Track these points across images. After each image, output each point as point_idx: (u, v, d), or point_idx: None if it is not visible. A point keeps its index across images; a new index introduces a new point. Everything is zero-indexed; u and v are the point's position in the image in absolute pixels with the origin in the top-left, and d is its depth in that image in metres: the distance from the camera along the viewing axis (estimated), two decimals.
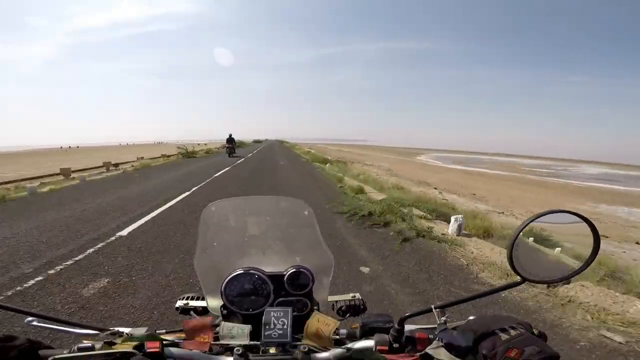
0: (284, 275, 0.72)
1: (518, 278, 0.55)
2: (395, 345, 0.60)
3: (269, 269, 0.73)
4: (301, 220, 0.83)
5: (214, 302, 0.74)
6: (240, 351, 0.55)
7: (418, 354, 0.57)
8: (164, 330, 0.66)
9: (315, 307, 0.74)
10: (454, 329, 0.59)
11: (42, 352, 0.55)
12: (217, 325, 0.62)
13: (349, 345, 0.61)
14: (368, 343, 0.61)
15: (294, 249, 0.80)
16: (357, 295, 0.89)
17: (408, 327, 0.62)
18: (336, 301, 0.86)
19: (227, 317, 0.72)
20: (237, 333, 0.59)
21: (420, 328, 0.63)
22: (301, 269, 0.72)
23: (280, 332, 0.59)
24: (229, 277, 0.70)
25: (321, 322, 0.60)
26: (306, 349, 0.56)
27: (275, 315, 0.61)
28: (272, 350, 0.58)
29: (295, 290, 0.72)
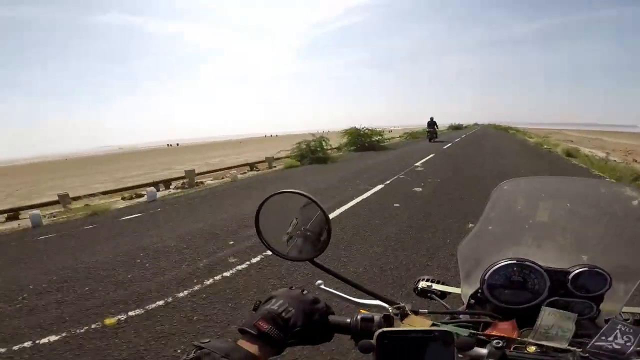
0: (569, 272, 0.62)
1: None
2: None
3: (547, 263, 0.64)
4: (619, 210, 0.69)
5: (467, 289, 0.72)
6: (500, 350, 0.50)
7: None
8: (427, 311, 0.63)
9: (595, 315, 0.62)
10: None
11: (331, 318, 0.59)
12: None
13: None
14: None
15: (585, 245, 0.68)
16: None
17: None
18: (622, 312, 0.68)
19: (472, 306, 0.69)
20: (557, 334, 0.53)
21: None
22: (596, 270, 0.61)
23: (619, 347, 0.50)
24: (496, 265, 0.66)
25: None
26: None
27: (621, 329, 0.51)
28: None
29: (580, 292, 0.62)
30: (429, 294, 0.88)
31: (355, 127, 18.49)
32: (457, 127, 56.10)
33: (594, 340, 0.51)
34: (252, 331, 0.49)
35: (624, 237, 0.67)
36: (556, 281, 0.63)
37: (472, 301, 0.69)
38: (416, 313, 0.62)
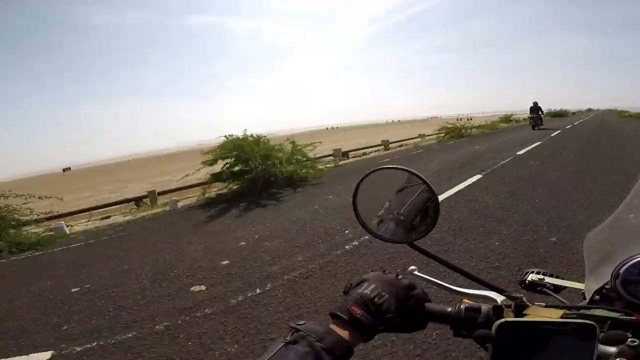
0: None
1: None
2: None
3: None
4: None
5: (593, 283, 0.63)
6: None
7: None
8: (543, 304, 0.56)
9: None
10: None
11: (428, 306, 0.56)
12: None
13: None
14: None
15: None
16: None
17: None
18: None
19: (594, 303, 0.60)
20: None
21: None
22: None
23: None
24: (638, 258, 0.56)
25: None
26: None
27: None
28: None
29: None
30: (538, 288, 0.79)
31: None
32: (558, 115, 41.23)
33: None
34: (344, 316, 0.48)
35: None
36: None
37: (597, 297, 0.61)
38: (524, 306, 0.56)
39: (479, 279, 0.62)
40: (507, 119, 27.37)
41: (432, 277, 0.67)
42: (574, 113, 53.57)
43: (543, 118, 20.57)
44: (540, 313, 0.52)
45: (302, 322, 0.45)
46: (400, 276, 0.56)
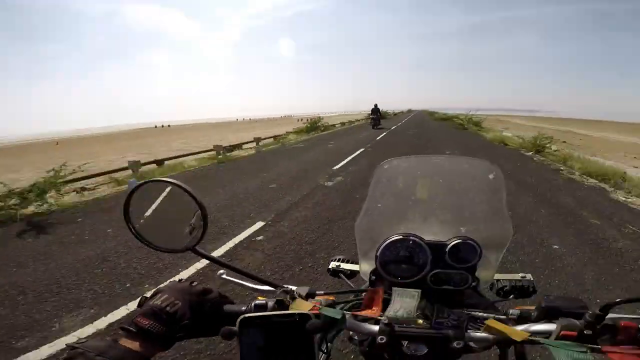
0: (447, 245, 0.66)
1: None
2: (587, 332, 0.50)
3: (430, 237, 0.68)
4: (483, 185, 0.74)
5: (366, 267, 0.74)
6: (389, 327, 0.55)
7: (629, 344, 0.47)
8: (322, 292, 0.66)
9: (474, 284, 0.67)
10: None
11: (226, 307, 0.59)
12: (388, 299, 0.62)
13: (523, 327, 0.54)
14: (550, 326, 0.52)
15: (461, 217, 0.72)
16: (528, 275, 0.77)
17: (612, 315, 0.51)
18: (498, 280, 0.77)
19: (373, 284, 0.72)
20: (404, 313, 0.58)
21: (628, 317, 0.51)
22: (468, 241, 0.65)
23: (455, 322, 0.56)
24: (386, 242, 0.68)
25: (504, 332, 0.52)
26: (460, 346, 0.52)
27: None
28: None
29: (457, 263, 0.66)
30: (339, 274, 0.91)
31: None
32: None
33: (434, 317, 0.56)
34: (131, 328, 0.48)
35: (488, 210, 0.73)
36: (436, 254, 0.66)
37: (374, 277, 0.72)
38: (313, 295, 0.64)
39: (256, 277, 0.67)
40: (313, 124, 21.17)
41: (237, 279, 0.71)
42: (395, 114, 58.67)
43: (381, 119, 23.67)
44: (297, 305, 0.58)
45: (83, 340, 0.44)
46: (195, 283, 0.57)
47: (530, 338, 0.50)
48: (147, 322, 0.48)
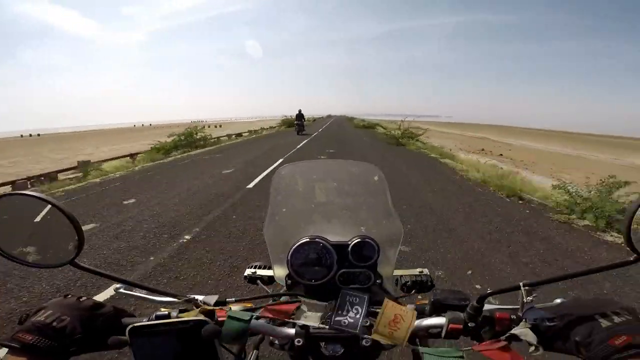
0: (348, 245, 0.69)
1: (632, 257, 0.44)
2: (471, 324, 0.56)
3: (334, 238, 0.71)
4: (371, 186, 0.79)
5: (280, 272, 0.75)
6: (304, 329, 0.57)
7: (503, 336, 0.52)
8: (233, 299, 0.67)
9: (378, 281, 0.71)
10: (541, 310, 0.52)
11: (124, 320, 0.58)
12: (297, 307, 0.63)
13: (417, 322, 0.58)
14: (439, 320, 0.58)
15: (361, 218, 0.77)
16: (425, 270, 0.85)
17: (489, 307, 0.57)
18: (401, 276, 0.83)
19: (290, 287, 0.73)
20: (311, 316, 0.60)
21: (501, 308, 0.57)
22: (366, 239, 0.69)
23: (352, 320, 0.57)
24: (295, 245, 0.69)
25: (397, 315, 0.56)
26: (369, 343, 0.55)
27: (351, 300, 0.60)
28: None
29: (359, 261, 0.69)
30: (256, 281, 0.91)
31: None
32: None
33: (333, 315, 0.59)
34: (14, 345, 0.47)
35: (380, 209, 0.78)
36: (341, 254, 0.69)
37: (289, 281, 0.72)
38: (224, 303, 0.63)
39: (157, 290, 0.66)
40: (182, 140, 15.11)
41: (136, 292, 0.69)
42: (315, 119, 58.65)
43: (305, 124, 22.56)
44: (191, 313, 0.57)
45: None
46: (83, 298, 0.56)
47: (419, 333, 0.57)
48: (30, 338, 0.47)
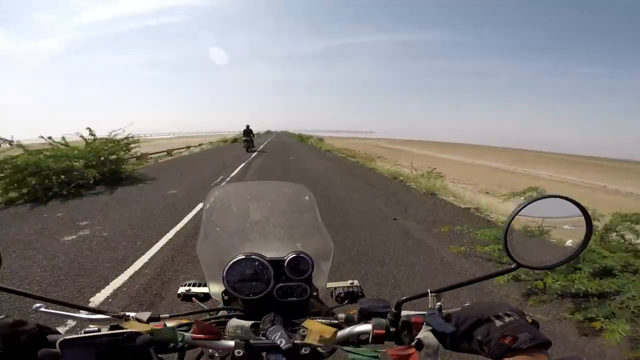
0: (284, 260, 0.73)
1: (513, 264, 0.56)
2: (392, 329, 0.62)
3: (270, 254, 0.74)
4: (302, 205, 0.85)
5: (216, 288, 0.77)
6: (243, 341, 0.59)
7: (415, 339, 0.58)
8: (168, 315, 0.67)
9: (315, 293, 0.76)
10: (448, 315, 0.59)
11: (50, 337, 0.56)
12: (224, 323, 0.65)
13: (347, 329, 0.64)
14: (366, 327, 0.63)
15: (295, 235, 0.81)
16: (355, 282, 0.92)
17: (405, 312, 0.64)
18: (335, 288, 0.89)
19: (228, 303, 0.74)
20: (242, 332, 0.62)
21: (417, 313, 0.64)
22: (301, 255, 0.73)
23: (285, 333, 0.61)
24: (230, 262, 0.71)
25: (319, 331, 0.61)
26: (308, 351, 0.59)
27: (273, 328, 0.63)
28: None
29: (295, 275, 0.73)
30: (191, 298, 0.90)
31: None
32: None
33: (266, 328, 0.63)
34: None
35: (312, 226, 0.84)
36: (278, 269, 0.73)
37: (227, 297, 0.74)
38: (157, 319, 0.64)
39: (86, 307, 0.66)
40: None
41: (59, 311, 0.67)
42: (254, 135, 58.61)
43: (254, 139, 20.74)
44: (132, 326, 0.57)
45: None
46: (2, 316, 0.56)
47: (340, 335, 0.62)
48: None
